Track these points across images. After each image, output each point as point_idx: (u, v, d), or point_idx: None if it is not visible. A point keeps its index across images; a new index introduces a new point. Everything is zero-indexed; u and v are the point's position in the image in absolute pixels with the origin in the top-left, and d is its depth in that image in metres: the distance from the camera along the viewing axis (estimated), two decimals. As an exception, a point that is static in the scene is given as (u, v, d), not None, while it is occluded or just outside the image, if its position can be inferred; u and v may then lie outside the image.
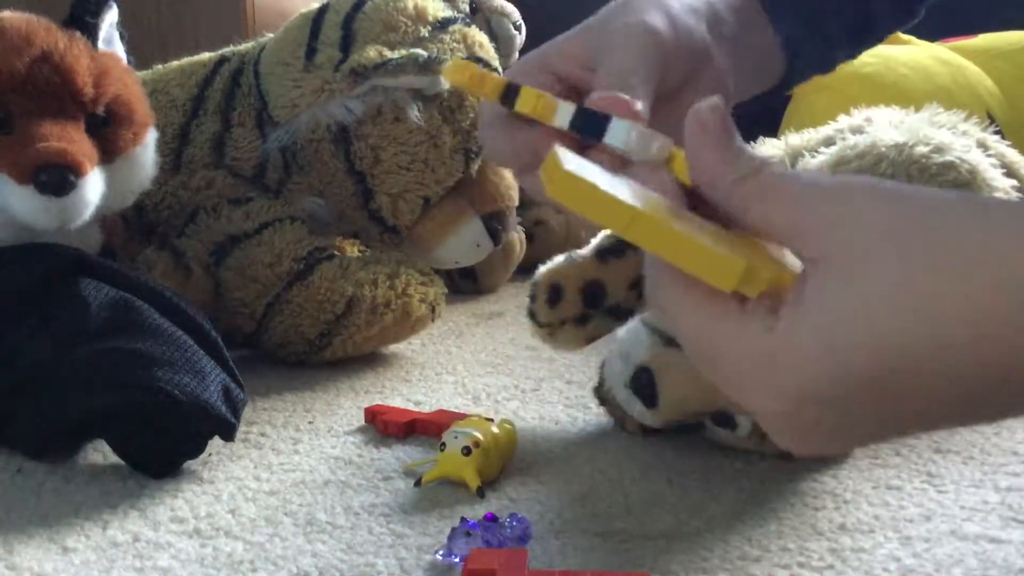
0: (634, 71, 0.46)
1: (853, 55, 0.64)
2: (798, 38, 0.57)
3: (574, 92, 0.49)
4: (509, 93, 0.45)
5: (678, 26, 0.49)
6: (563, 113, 0.44)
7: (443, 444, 0.62)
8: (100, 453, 0.68)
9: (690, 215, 0.37)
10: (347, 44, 0.93)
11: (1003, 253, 0.31)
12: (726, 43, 0.53)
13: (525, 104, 0.44)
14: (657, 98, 0.49)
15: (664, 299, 0.37)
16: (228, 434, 0.64)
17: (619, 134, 0.42)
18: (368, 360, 0.92)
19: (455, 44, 0.96)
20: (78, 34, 0.75)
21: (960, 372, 0.31)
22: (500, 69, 1.02)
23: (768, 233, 0.35)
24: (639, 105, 0.44)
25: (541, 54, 0.50)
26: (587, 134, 0.43)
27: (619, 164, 0.42)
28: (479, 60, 0.98)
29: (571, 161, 0.36)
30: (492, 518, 0.54)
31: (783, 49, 0.57)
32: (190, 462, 0.65)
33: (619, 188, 0.35)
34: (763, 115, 1.17)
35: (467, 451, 0.60)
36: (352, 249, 1.02)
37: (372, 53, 0.90)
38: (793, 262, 0.36)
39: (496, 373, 0.88)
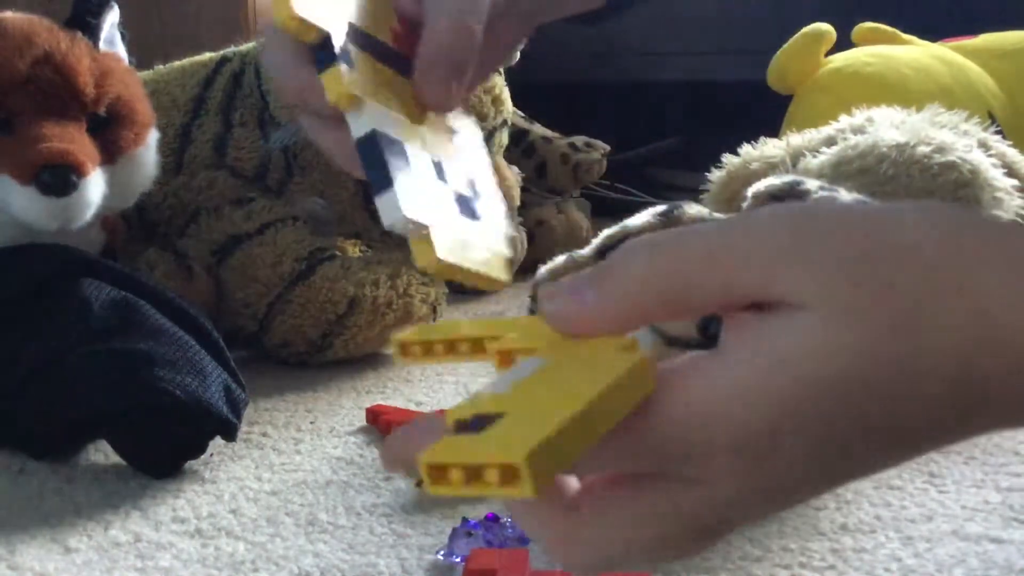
0: None
1: None
2: None
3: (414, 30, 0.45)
4: (323, 55, 0.38)
5: None
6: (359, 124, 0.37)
7: (444, 444, 0.62)
8: (102, 453, 0.68)
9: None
10: (348, 44, 0.93)
11: (978, 290, 0.29)
12: None
13: (330, 89, 0.37)
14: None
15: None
16: (230, 434, 0.64)
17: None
18: (369, 360, 0.92)
19: (456, 44, 0.96)
20: (80, 34, 0.75)
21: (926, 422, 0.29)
22: (501, 71, 1.02)
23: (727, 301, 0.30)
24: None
25: None
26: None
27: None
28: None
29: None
30: (493, 518, 0.54)
31: None
32: (192, 462, 0.65)
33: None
34: (763, 114, 1.17)
35: (468, 451, 0.60)
36: (353, 249, 1.02)
37: (373, 53, 0.90)
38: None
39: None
